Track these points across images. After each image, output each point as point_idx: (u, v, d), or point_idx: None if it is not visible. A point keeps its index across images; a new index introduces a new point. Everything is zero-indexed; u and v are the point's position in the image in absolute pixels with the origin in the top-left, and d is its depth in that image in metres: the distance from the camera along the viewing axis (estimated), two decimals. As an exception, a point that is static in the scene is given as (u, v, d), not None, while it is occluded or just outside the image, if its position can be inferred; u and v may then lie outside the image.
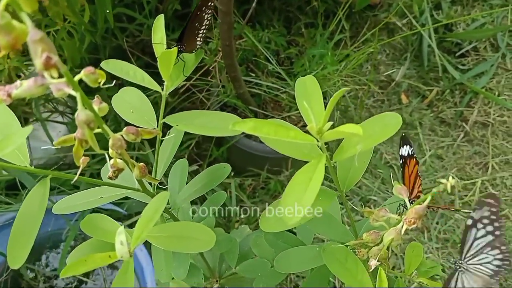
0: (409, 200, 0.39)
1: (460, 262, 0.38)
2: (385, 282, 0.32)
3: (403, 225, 0.31)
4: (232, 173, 1.27)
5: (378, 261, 0.39)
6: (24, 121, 1.14)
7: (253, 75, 1.12)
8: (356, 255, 0.39)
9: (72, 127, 1.12)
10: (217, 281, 0.61)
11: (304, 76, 1.05)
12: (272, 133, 0.30)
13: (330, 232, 0.42)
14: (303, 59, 1.08)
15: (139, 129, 0.31)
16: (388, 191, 1.34)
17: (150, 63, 1.30)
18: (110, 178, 0.32)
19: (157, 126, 0.36)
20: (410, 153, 0.44)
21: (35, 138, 1.06)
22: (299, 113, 1.13)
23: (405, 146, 0.42)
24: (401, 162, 0.41)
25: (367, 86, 1.51)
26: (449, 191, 0.27)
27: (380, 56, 1.57)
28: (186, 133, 1.52)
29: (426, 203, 0.29)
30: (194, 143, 1.30)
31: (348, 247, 0.39)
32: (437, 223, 1.29)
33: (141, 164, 0.33)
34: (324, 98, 1.17)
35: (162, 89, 0.37)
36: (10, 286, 0.91)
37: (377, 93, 1.51)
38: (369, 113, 1.47)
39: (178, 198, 0.45)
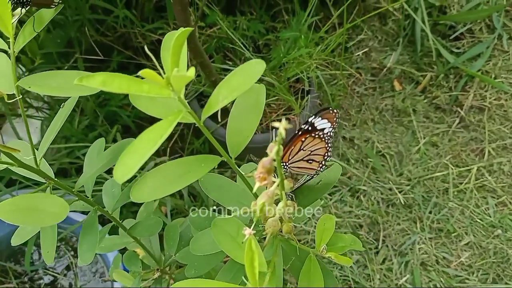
0: (285, 164, 0.36)
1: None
2: (255, 253, 0.28)
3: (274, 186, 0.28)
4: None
5: (285, 234, 0.36)
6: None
7: (230, 63, 1.09)
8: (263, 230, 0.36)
9: (48, 122, 1.11)
10: (157, 269, 0.58)
11: (280, 61, 1.01)
12: (125, 88, 0.27)
13: (234, 204, 0.39)
14: (280, 45, 1.05)
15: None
16: (378, 181, 1.29)
17: (132, 57, 1.29)
18: None
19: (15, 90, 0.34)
20: (318, 131, 0.39)
21: (9, 133, 1.05)
22: (278, 99, 1.10)
23: (322, 120, 0.38)
24: (306, 127, 0.37)
25: (358, 73, 1.46)
26: (283, 135, 0.24)
27: (371, 42, 1.52)
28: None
29: (272, 155, 0.25)
30: (177, 136, 1.28)
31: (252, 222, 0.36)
32: (430, 212, 1.23)
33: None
34: (297, 81, 1.13)
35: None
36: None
37: (368, 81, 1.46)
38: (360, 101, 1.43)
39: (84, 177, 0.42)
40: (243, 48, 1.06)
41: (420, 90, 1.44)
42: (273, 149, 0.29)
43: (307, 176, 0.39)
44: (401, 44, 1.49)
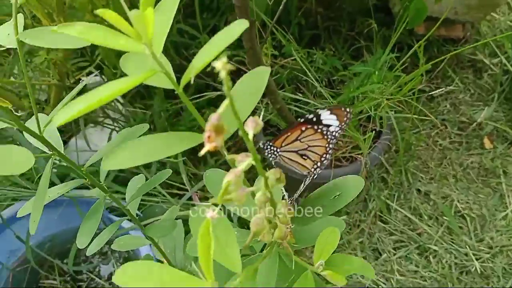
0: (269, 144, 0.32)
1: None
2: (212, 239, 0.24)
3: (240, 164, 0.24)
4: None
5: (278, 240, 0.31)
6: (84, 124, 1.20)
7: (301, 95, 1.07)
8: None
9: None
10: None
11: (348, 95, 0.97)
12: (101, 39, 0.25)
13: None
14: (353, 80, 1.01)
15: None
16: (453, 243, 1.15)
17: (210, 84, 1.32)
18: None
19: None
20: (323, 126, 0.34)
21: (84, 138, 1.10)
22: (346, 136, 1.04)
23: (330, 114, 0.33)
24: (310, 117, 0.33)
25: (443, 125, 1.36)
26: (223, 75, 0.20)
27: (462, 95, 1.41)
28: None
29: (221, 109, 0.21)
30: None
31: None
32: (510, 287, 1.07)
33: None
34: (368, 120, 1.05)
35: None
36: (27, 276, 0.94)
37: (454, 134, 1.35)
38: (442, 155, 1.31)
39: (96, 156, 0.41)
40: (315, 81, 1.03)
41: (514, 151, 1.29)
42: (249, 123, 0.25)
43: (308, 177, 0.34)
44: (496, 100, 1.37)
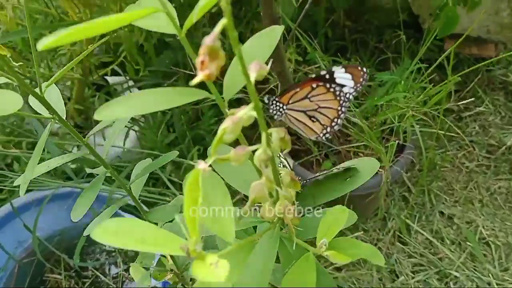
0: (275, 100, 0.29)
1: None
2: (199, 190, 0.22)
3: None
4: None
5: (279, 215, 0.29)
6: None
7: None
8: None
9: (139, 132, 1.15)
10: (171, 270, 0.52)
11: (372, 104, 0.94)
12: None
13: (238, 180, 0.32)
14: (377, 89, 0.98)
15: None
16: (475, 270, 1.09)
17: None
18: None
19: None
20: (336, 85, 0.31)
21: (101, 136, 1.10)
22: (367, 148, 1.00)
23: (345, 73, 0.31)
24: (323, 73, 0.30)
25: (471, 147, 1.30)
26: None
27: (492, 117, 1.36)
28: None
29: (217, 30, 0.19)
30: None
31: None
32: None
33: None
34: (391, 134, 1.01)
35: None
36: (33, 269, 0.92)
37: (482, 157, 1.29)
38: (468, 177, 1.26)
39: (100, 126, 0.40)
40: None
41: (545, 178, 1.23)
42: (251, 67, 0.23)
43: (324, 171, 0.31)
44: (528, 124, 1.31)
